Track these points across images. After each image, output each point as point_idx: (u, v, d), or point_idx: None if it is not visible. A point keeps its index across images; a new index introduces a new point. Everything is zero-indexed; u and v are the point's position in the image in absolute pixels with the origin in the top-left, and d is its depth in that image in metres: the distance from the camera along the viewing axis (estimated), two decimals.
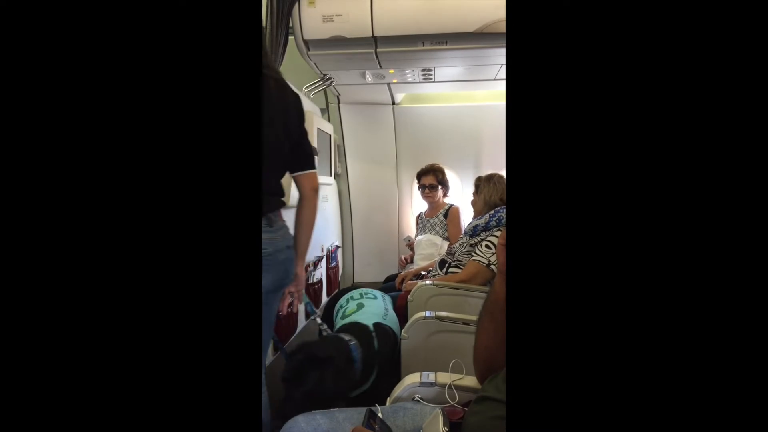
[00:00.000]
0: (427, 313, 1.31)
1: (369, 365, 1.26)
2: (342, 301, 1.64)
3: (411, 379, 0.89)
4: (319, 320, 1.49)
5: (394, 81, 2.10)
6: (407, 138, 2.60)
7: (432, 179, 2.32)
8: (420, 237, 2.36)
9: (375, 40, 1.62)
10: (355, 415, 0.80)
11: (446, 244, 2.24)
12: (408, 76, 2.01)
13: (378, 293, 1.63)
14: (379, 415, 0.72)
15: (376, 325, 1.39)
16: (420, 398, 0.84)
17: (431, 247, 2.27)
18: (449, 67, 1.89)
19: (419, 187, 2.37)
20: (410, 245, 2.45)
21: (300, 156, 1.18)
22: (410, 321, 1.31)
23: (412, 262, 2.40)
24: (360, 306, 1.52)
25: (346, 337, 1.25)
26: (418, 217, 2.50)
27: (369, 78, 1.98)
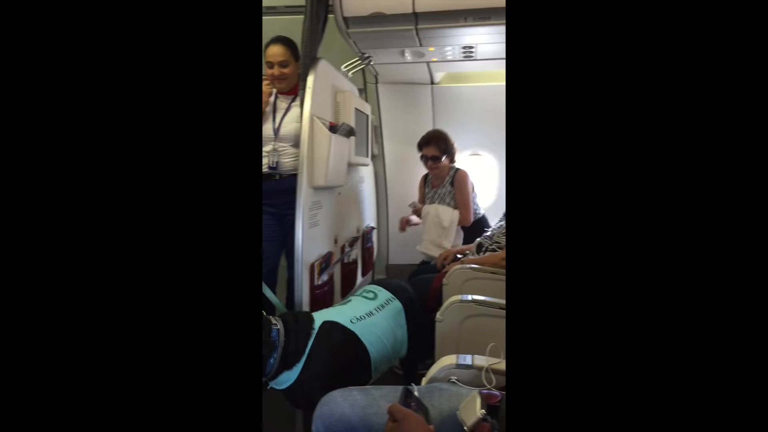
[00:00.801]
0: (464, 297, 1.29)
1: (288, 361, 1.07)
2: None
3: (447, 361, 0.89)
4: None
5: (434, 59, 2.04)
6: (446, 119, 2.54)
7: (434, 150, 2.08)
8: (427, 208, 2.15)
9: (416, 17, 1.58)
10: (391, 392, 0.81)
11: (456, 215, 2.08)
12: (448, 53, 1.95)
13: (383, 295, 1.38)
14: (416, 393, 0.73)
15: (327, 324, 1.17)
16: (456, 380, 0.84)
17: (437, 228, 2.07)
18: (492, 43, 1.82)
19: (421, 158, 2.14)
20: (417, 212, 2.22)
21: None
22: (445, 304, 1.31)
23: (414, 221, 2.24)
24: (347, 302, 1.36)
25: (273, 320, 1.08)
26: (425, 180, 2.28)
27: (408, 56, 1.93)
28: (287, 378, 1.08)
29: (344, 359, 1.15)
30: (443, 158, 2.09)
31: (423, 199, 2.29)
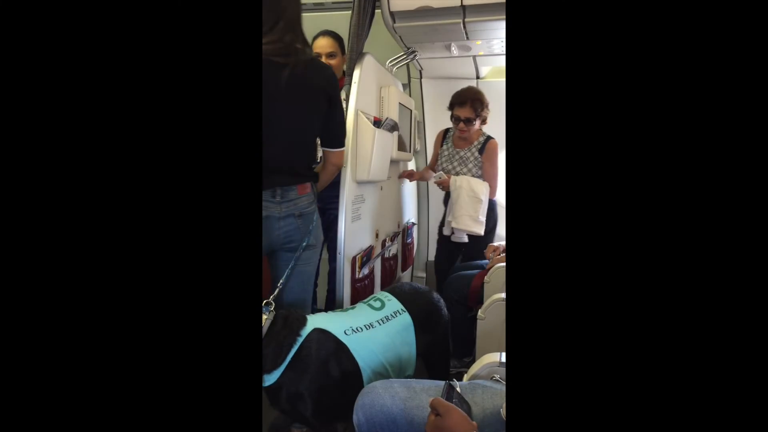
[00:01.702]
0: (505, 295, 1.27)
1: (265, 366, 1.02)
2: None
3: (490, 358, 0.88)
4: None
5: (480, 53, 2.00)
6: (491, 114, 2.48)
7: (470, 111, 1.90)
8: (458, 180, 1.92)
9: (463, 10, 1.55)
10: (433, 387, 0.81)
11: (488, 187, 1.91)
12: (495, 47, 1.90)
13: (391, 306, 1.23)
14: (458, 389, 0.72)
15: (317, 332, 1.08)
16: (499, 378, 0.82)
17: (474, 203, 1.88)
18: None
19: (452, 118, 1.97)
20: (443, 184, 1.99)
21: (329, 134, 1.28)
22: (487, 302, 1.29)
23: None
24: (351, 308, 1.24)
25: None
26: (444, 135, 2.10)
27: (454, 50, 1.91)
28: (267, 379, 1.03)
29: (331, 373, 1.05)
30: (476, 121, 1.93)
31: (437, 156, 2.12)
